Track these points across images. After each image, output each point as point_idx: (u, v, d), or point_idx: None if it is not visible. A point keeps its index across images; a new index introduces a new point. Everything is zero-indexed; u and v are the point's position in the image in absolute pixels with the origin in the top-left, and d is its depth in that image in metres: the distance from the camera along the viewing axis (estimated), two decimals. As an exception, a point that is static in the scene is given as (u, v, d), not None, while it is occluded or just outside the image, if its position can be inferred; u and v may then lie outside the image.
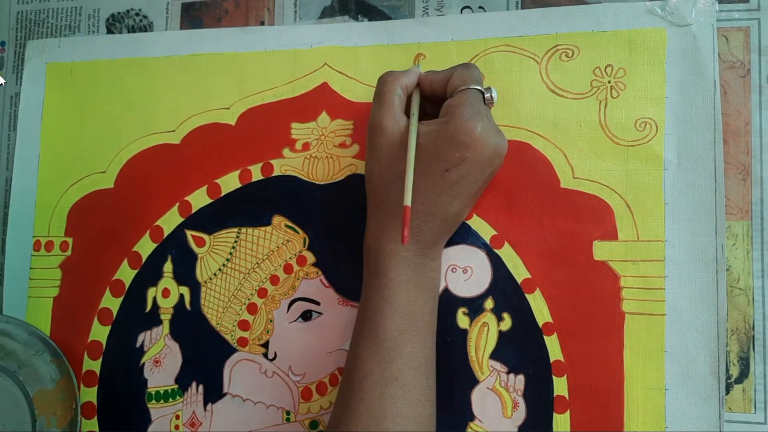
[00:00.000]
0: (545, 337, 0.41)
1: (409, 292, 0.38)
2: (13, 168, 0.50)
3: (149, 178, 0.48)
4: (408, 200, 0.35)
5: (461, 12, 0.45)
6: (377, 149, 0.39)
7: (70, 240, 0.48)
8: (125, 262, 0.47)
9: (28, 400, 0.44)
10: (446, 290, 0.42)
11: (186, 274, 0.46)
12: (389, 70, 0.41)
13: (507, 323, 0.42)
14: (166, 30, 0.50)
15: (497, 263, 0.42)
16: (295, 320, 0.45)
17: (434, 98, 0.41)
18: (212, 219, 0.47)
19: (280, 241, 0.45)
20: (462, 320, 0.42)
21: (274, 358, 0.44)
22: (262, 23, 0.49)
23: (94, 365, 0.47)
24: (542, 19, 0.43)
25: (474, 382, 0.41)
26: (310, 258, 0.45)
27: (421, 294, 0.38)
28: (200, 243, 0.46)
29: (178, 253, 0.47)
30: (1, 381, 0.44)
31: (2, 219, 0.51)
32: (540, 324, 0.41)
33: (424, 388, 0.37)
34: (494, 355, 0.41)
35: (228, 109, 0.47)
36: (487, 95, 0.39)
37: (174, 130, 0.48)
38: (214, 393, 0.45)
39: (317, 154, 0.46)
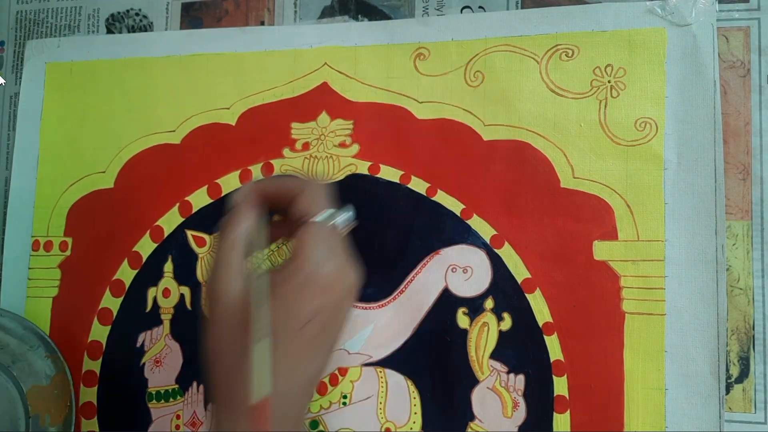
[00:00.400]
0: (545, 337, 0.41)
1: None
2: (12, 168, 0.50)
3: (149, 178, 0.48)
4: (263, 391, 0.28)
5: (461, 12, 0.45)
6: (218, 323, 0.32)
7: (69, 240, 0.48)
8: (125, 262, 0.47)
9: (22, 396, 0.43)
10: (446, 290, 0.42)
11: (186, 274, 0.46)
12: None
13: (507, 323, 0.42)
14: (166, 30, 0.50)
15: (497, 263, 0.42)
16: (295, 320, 0.44)
17: (282, 209, 0.36)
18: (213, 219, 0.46)
19: (280, 241, 0.45)
20: (462, 320, 0.42)
21: (274, 358, 0.44)
22: (262, 23, 0.49)
23: (94, 365, 0.47)
24: (542, 19, 0.43)
25: (474, 382, 0.41)
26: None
27: None
28: (201, 243, 0.46)
29: (178, 253, 0.47)
30: None
31: (1, 219, 0.51)
32: (540, 324, 0.41)
33: None
34: (494, 355, 0.41)
35: (228, 109, 0.47)
36: (335, 222, 0.34)
37: (174, 130, 0.48)
38: (214, 393, 0.45)
39: (317, 154, 0.46)
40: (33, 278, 0.49)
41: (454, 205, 0.43)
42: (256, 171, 0.46)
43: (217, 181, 0.47)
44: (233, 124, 0.47)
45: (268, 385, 0.29)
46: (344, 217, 0.35)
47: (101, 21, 0.52)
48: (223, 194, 0.47)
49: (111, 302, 0.47)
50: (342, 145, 0.45)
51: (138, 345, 0.46)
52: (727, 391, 0.40)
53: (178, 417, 0.45)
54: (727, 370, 0.40)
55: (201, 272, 0.46)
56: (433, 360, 0.42)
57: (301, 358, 0.32)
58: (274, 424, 0.29)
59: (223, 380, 0.32)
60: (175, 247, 0.47)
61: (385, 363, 0.43)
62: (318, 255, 0.32)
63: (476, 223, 0.43)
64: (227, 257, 0.33)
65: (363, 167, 0.45)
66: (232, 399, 0.31)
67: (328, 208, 0.34)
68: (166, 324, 0.46)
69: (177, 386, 0.46)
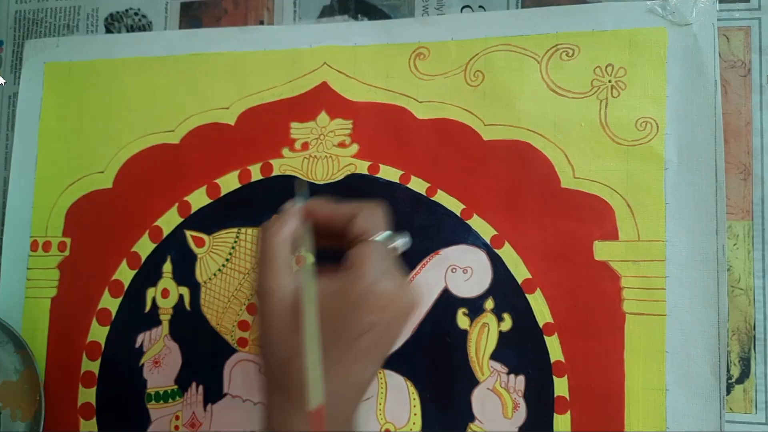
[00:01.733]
0: (546, 338, 0.41)
1: None
2: (10, 168, 0.50)
3: (148, 178, 0.48)
4: (317, 399, 0.30)
5: (461, 11, 0.45)
6: (267, 320, 0.33)
7: (68, 240, 0.48)
8: (124, 262, 0.47)
9: None
10: (446, 290, 0.42)
11: (185, 275, 0.46)
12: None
13: (507, 323, 0.42)
14: (165, 29, 0.50)
15: (497, 263, 0.42)
16: (294, 321, 0.44)
17: (333, 231, 0.36)
18: (212, 219, 0.46)
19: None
20: (462, 321, 0.42)
21: (273, 359, 0.44)
22: (262, 23, 0.49)
23: (92, 366, 0.47)
24: (542, 19, 0.43)
25: (474, 382, 0.41)
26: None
27: None
28: (200, 243, 0.46)
29: (177, 254, 0.47)
30: None
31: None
32: (540, 324, 0.41)
33: None
34: (495, 356, 0.41)
35: (227, 108, 0.47)
36: (390, 246, 0.34)
37: (173, 130, 0.48)
38: (214, 393, 0.45)
39: (316, 154, 0.46)
40: (31, 279, 0.48)
41: (454, 205, 0.43)
42: (255, 171, 0.46)
43: (216, 181, 0.47)
44: (232, 124, 0.47)
45: (321, 394, 0.30)
46: (402, 240, 0.35)
47: (100, 20, 0.51)
48: (222, 194, 0.46)
49: (110, 303, 0.47)
50: (341, 144, 0.45)
51: (137, 345, 0.46)
52: (728, 392, 0.40)
53: (177, 418, 0.45)
54: (728, 370, 0.40)
55: (200, 272, 0.46)
56: (432, 361, 0.42)
57: (353, 368, 0.32)
58: (328, 427, 0.30)
59: (276, 373, 0.33)
60: (174, 248, 0.47)
61: (385, 364, 0.42)
62: (376, 272, 0.32)
63: (476, 223, 0.43)
64: (275, 255, 0.33)
65: (362, 167, 0.45)
66: (285, 393, 0.32)
67: (386, 230, 0.34)
68: (165, 324, 0.46)
69: (176, 387, 0.45)
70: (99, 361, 0.47)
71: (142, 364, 0.46)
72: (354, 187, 0.44)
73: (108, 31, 0.51)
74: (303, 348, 0.31)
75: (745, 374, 0.40)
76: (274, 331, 0.33)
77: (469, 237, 0.42)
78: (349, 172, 0.45)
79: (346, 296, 0.32)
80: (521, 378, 0.41)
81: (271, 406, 0.33)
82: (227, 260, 0.46)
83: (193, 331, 0.46)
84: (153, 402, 0.46)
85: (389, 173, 0.44)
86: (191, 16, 0.50)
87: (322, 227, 0.36)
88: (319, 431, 0.29)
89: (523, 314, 0.41)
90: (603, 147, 0.41)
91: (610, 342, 0.40)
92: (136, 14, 0.51)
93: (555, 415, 0.40)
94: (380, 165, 0.44)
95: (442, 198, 0.43)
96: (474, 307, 0.42)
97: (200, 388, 0.45)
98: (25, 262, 0.49)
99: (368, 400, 0.43)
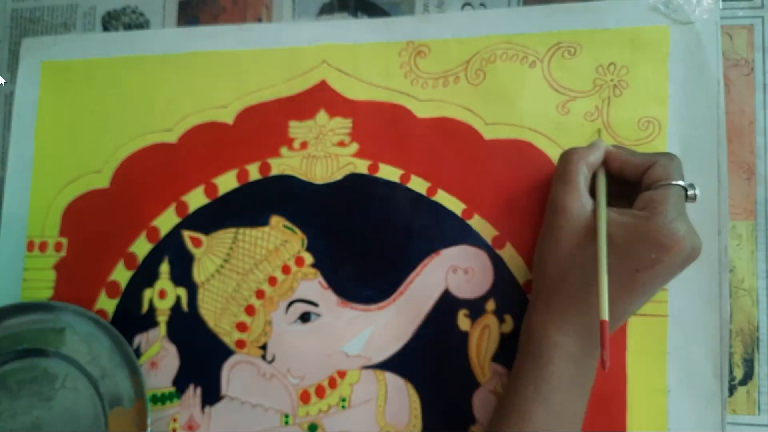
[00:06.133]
0: (547, 339, 0.40)
1: (567, 390, 0.35)
2: (6, 167, 0.50)
3: (146, 177, 0.47)
4: (605, 314, 0.32)
5: (462, 9, 0.45)
6: (556, 232, 0.36)
7: (64, 240, 0.48)
8: (121, 262, 0.47)
9: (105, 417, 0.39)
10: (447, 292, 0.42)
11: (183, 276, 0.46)
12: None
13: (509, 325, 0.41)
14: (163, 28, 0.50)
15: (499, 264, 0.42)
16: (293, 322, 0.44)
17: (621, 179, 0.37)
18: (209, 219, 0.46)
19: (278, 241, 0.45)
20: (463, 322, 0.42)
21: (272, 360, 0.44)
22: (260, 20, 0.48)
23: (90, 367, 0.47)
24: (544, 17, 0.43)
25: (475, 385, 0.41)
26: (309, 259, 0.44)
27: (578, 395, 0.36)
28: (197, 244, 0.46)
29: (174, 254, 0.46)
30: (85, 388, 0.39)
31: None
32: (542, 326, 0.41)
33: None
34: (496, 358, 0.41)
35: (225, 107, 0.47)
36: (690, 192, 0.35)
37: (171, 129, 0.47)
38: (212, 395, 0.44)
39: (315, 153, 0.45)
40: (28, 279, 0.48)
41: (455, 205, 0.43)
42: (253, 171, 0.46)
43: (214, 180, 0.46)
44: (231, 123, 0.47)
45: (606, 312, 0.32)
46: (693, 188, 0.36)
47: (97, 19, 0.51)
48: (219, 194, 0.46)
49: (107, 304, 0.47)
50: (341, 143, 0.45)
51: (134, 347, 0.46)
52: (731, 393, 0.39)
53: (174, 420, 0.45)
54: (731, 372, 0.39)
55: (197, 273, 0.46)
56: (433, 363, 0.42)
57: (623, 296, 0.34)
58: (579, 336, 0.35)
59: (548, 283, 0.36)
60: (171, 248, 0.46)
61: (385, 366, 0.42)
62: (672, 213, 0.33)
63: (477, 224, 0.42)
64: (576, 178, 0.36)
65: (362, 166, 0.44)
66: (551, 302, 0.36)
67: (682, 179, 0.35)
68: (163, 326, 0.46)
69: (174, 389, 0.45)
70: (96, 362, 0.47)
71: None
72: (353, 187, 0.44)
73: (105, 29, 0.51)
74: (597, 264, 0.33)
75: (748, 376, 0.40)
76: (562, 244, 0.36)
77: (470, 237, 0.42)
78: (348, 172, 0.45)
79: (639, 230, 0.33)
80: (523, 380, 0.41)
81: (534, 308, 0.37)
82: (225, 261, 0.45)
83: (190, 332, 0.45)
84: (150, 404, 0.45)
85: (389, 173, 0.44)
86: (189, 14, 0.50)
87: (615, 173, 0.38)
88: (603, 344, 0.31)
89: (525, 315, 0.41)
90: (605, 146, 0.41)
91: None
92: (133, 12, 0.51)
93: (557, 417, 0.40)
94: (380, 164, 0.44)
95: (442, 198, 0.43)
96: (475, 308, 0.42)
97: (198, 390, 0.45)
98: (22, 262, 0.48)
99: (368, 402, 0.42)
